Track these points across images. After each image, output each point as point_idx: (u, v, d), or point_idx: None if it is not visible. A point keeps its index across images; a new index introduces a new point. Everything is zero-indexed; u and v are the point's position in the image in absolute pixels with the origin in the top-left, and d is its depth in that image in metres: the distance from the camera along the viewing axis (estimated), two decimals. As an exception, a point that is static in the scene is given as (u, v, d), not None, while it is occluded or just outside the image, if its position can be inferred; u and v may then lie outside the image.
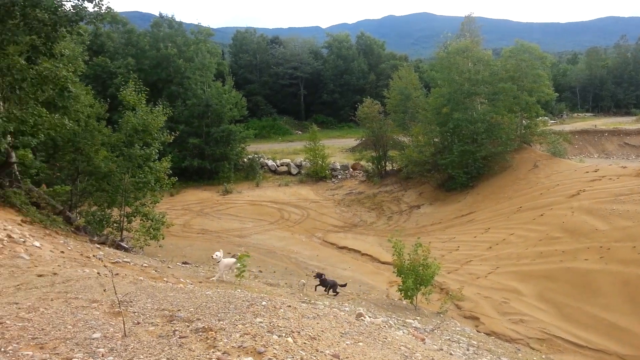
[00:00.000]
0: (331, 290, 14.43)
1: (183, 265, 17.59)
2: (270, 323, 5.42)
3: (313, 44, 79.39)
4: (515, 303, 15.90)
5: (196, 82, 43.86)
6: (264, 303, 6.73)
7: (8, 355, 4.16)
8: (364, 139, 42.18)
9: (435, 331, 11.21)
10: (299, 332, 5.29)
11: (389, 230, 26.76)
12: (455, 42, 34.94)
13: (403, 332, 9.24)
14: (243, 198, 35.14)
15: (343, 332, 6.22)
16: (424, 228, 26.63)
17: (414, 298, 14.25)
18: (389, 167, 39.16)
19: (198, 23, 71.56)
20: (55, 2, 15.04)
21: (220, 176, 40.19)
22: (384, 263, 21.47)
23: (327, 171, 41.06)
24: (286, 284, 16.13)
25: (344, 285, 15.28)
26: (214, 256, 11.94)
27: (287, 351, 4.51)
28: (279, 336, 4.92)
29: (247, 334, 4.78)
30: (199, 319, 5.37)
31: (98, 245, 15.20)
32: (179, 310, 5.89)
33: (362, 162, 41.27)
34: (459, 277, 18.77)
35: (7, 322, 5.12)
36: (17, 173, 18.06)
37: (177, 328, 5.00)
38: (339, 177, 41.07)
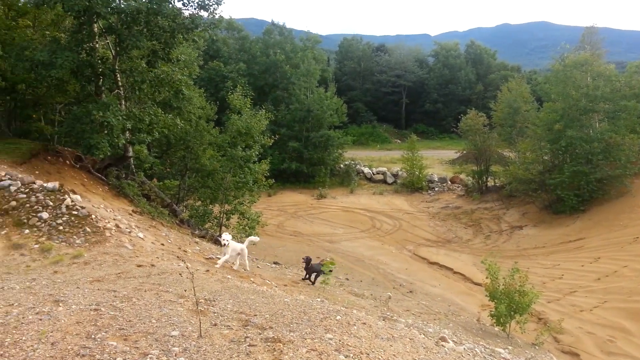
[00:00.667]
0: (312, 277, 13.10)
1: (273, 265, 18.19)
2: (340, 341, 5.38)
3: (419, 52, 78.20)
4: (622, 343, 14.31)
5: (300, 88, 45.22)
6: (338, 317, 6.71)
7: (95, 343, 4.56)
8: (465, 151, 40.57)
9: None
10: (368, 355, 5.19)
11: (485, 249, 25.45)
12: (573, 54, 32.33)
13: (486, 364, 8.70)
14: (336, 204, 35.50)
15: (416, 358, 6.00)
16: (525, 251, 24.92)
17: (507, 326, 13.39)
18: (490, 183, 37.24)
19: (307, 30, 73.75)
20: (174, 10, 16.31)
21: (316, 180, 41.00)
22: (477, 284, 20.42)
23: (424, 182, 40.11)
24: (371, 294, 15.96)
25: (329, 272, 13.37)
26: (223, 239, 10.50)
27: (351, 374, 4.44)
28: (346, 356, 4.86)
29: (313, 350, 4.79)
30: (271, 327, 5.48)
31: (197, 239, 16.23)
32: (255, 315, 6.06)
33: (462, 176, 39.69)
34: (561, 307, 17.31)
35: (103, 309, 5.63)
36: (133, 167, 19.92)
37: (249, 334, 5.15)
38: (436, 189, 39.91)
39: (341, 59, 76.53)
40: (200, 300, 6.54)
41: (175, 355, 4.40)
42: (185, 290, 6.73)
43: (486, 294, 14.27)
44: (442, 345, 8.44)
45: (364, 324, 6.83)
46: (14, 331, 4.81)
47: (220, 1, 17.78)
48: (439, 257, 24.59)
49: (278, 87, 50.04)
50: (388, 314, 11.86)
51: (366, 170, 43.72)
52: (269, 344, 4.86)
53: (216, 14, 18.09)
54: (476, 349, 10.25)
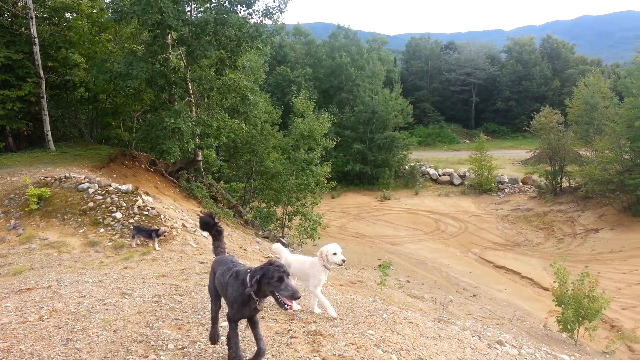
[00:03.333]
0: None
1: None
2: (381, 337, 5.51)
3: (490, 49, 75.51)
4: None
5: (365, 90, 45.31)
6: (384, 315, 6.82)
7: (152, 331, 5.04)
8: (537, 151, 38.72)
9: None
10: (408, 351, 5.28)
11: (557, 253, 24.21)
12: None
13: (543, 370, 8.42)
14: (400, 205, 35.21)
15: (461, 357, 5.98)
16: (600, 255, 23.46)
17: (575, 332, 12.78)
18: (565, 184, 35.28)
19: (374, 32, 73.68)
20: (239, 20, 17.08)
21: (380, 182, 40.88)
22: (546, 289, 19.53)
23: (493, 184, 38.75)
24: (432, 297, 15.78)
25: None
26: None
27: (386, 368, 4.57)
28: (384, 351, 4.99)
29: (352, 344, 4.97)
30: (315, 322, 5.72)
31: (259, 239, 16.86)
32: (303, 310, 6.33)
33: (534, 177, 37.93)
34: (637, 315, 16.21)
35: (163, 301, 6.15)
36: (202, 170, 21.04)
37: (293, 327, 5.43)
38: (506, 190, 38.42)
39: (408, 59, 75.61)
40: (253, 296, 6.91)
41: (222, 344, 4.76)
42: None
43: (554, 299, 13.72)
44: (495, 348, 8.29)
45: (411, 322, 6.89)
46: (83, 319, 5.41)
47: (284, 9, 18.43)
48: (507, 261, 23.75)
49: (343, 89, 50.43)
50: (445, 316, 11.73)
51: (432, 171, 42.95)
52: (310, 336, 5.10)
53: (279, 21, 18.76)
54: (536, 354, 9.92)
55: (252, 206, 23.41)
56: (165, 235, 9.99)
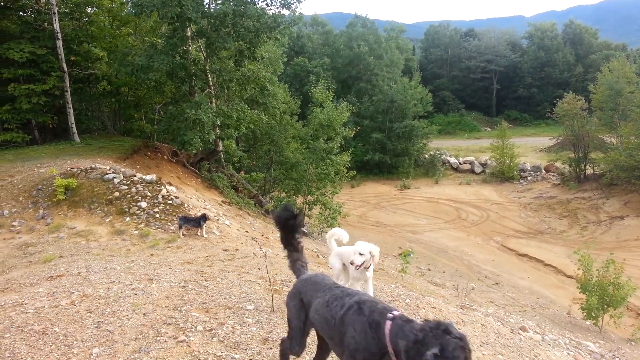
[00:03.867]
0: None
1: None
2: (404, 321, 5.55)
3: (511, 35, 74.06)
4: None
5: (383, 79, 44.96)
6: (407, 301, 6.86)
7: (181, 314, 5.17)
8: (561, 138, 37.95)
9: (615, 359, 9.82)
10: (432, 335, 5.30)
11: (581, 241, 23.83)
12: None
13: (568, 353, 8.36)
14: (420, 194, 35.00)
15: (484, 341, 5.99)
16: (625, 243, 23.01)
17: (599, 319, 12.63)
18: (589, 171, 34.56)
19: (391, 20, 72.93)
20: (258, 11, 17.12)
21: (399, 171, 40.64)
22: (569, 277, 19.27)
23: (515, 171, 38.16)
24: (453, 285, 15.71)
25: None
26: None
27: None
28: (408, 335, 5.03)
29: (376, 327, 5.01)
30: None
31: (280, 228, 16.98)
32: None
33: (557, 164, 37.23)
34: (665, 304, 15.90)
35: (189, 286, 6.28)
36: (223, 160, 21.25)
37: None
38: (529, 178, 37.82)
39: (427, 47, 74.61)
40: (277, 281, 7.02)
41: (249, 326, 4.86)
42: (265, 272, 7.23)
43: (578, 287, 13.57)
44: (519, 334, 8.25)
45: (434, 308, 6.92)
46: (113, 303, 5.57)
47: (301, -1, 18.41)
48: (530, 249, 23.47)
49: (361, 79, 50.11)
50: (467, 303, 11.69)
51: (452, 160, 42.51)
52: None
53: (297, 11, 18.75)
54: (560, 340, 9.84)
55: (272, 196, 23.56)
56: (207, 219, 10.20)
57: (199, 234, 9.97)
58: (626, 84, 34.60)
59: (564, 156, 35.66)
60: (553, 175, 37.40)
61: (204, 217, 10.04)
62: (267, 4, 18.10)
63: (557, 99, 38.93)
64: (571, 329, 12.28)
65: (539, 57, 64.85)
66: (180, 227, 9.97)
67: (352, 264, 5.37)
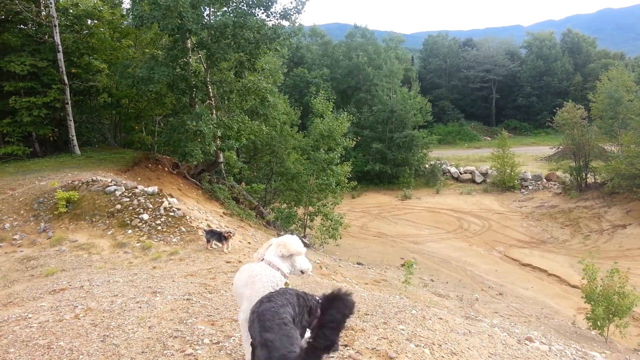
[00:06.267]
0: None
1: (356, 265, 18.42)
2: (412, 332, 5.48)
3: (510, 44, 74.52)
4: None
5: (383, 89, 45.12)
6: (413, 312, 6.78)
7: (186, 326, 5.10)
8: (561, 147, 38.02)
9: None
10: (440, 346, 5.24)
11: (584, 250, 23.74)
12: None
13: (575, 366, 8.26)
14: (421, 204, 34.94)
15: (493, 352, 5.91)
16: (628, 252, 22.92)
17: (605, 329, 12.51)
18: (590, 180, 34.55)
19: (390, 31, 73.30)
20: (258, 22, 17.18)
21: (400, 181, 40.63)
22: (573, 286, 19.17)
23: (516, 181, 38.15)
24: (457, 296, 15.64)
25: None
26: None
27: (420, 362, 4.54)
28: (417, 345, 4.96)
29: (384, 339, 4.95)
30: (345, 318, 5.71)
31: (282, 239, 16.89)
32: (331, 307, 6.33)
33: (558, 173, 37.23)
34: (671, 314, 15.74)
35: (194, 299, 6.22)
36: (224, 172, 21.21)
37: (323, 323, 5.43)
38: (530, 187, 37.81)
39: (426, 57, 75.01)
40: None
41: (254, 338, 4.78)
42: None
43: (582, 296, 13.46)
44: (526, 344, 8.16)
45: (441, 319, 6.84)
46: (118, 317, 5.50)
47: (301, 10, 18.48)
48: (533, 259, 23.37)
49: (361, 89, 50.28)
50: (472, 314, 11.60)
51: (453, 169, 42.51)
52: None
53: (296, 22, 18.82)
54: (566, 351, 9.74)
55: (274, 207, 23.50)
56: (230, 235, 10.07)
57: (224, 249, 9.89)
58: (625, 92, 34.74)
59: (565, 165, 35.68)
60: (554, 184, 37.39)
61: (225, 235, 9.93)
62: (266, 15, 18.17)
63: (557, 108, 39.05)
64: (577, 339, 12.16)
65: (538, 66, 65.19)
66: (208, 241, 9.90)
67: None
